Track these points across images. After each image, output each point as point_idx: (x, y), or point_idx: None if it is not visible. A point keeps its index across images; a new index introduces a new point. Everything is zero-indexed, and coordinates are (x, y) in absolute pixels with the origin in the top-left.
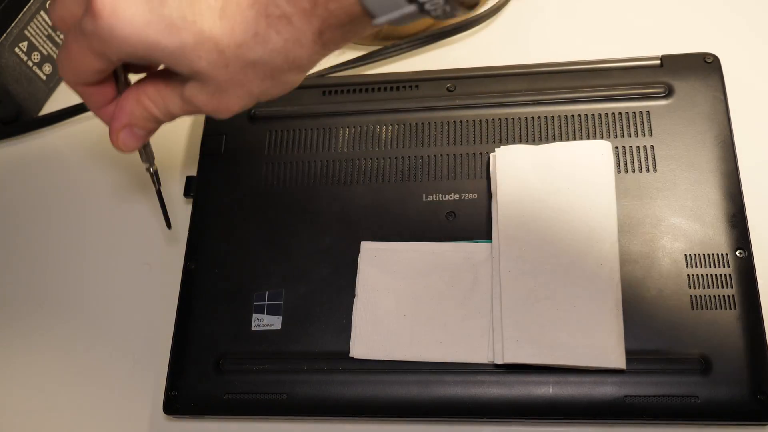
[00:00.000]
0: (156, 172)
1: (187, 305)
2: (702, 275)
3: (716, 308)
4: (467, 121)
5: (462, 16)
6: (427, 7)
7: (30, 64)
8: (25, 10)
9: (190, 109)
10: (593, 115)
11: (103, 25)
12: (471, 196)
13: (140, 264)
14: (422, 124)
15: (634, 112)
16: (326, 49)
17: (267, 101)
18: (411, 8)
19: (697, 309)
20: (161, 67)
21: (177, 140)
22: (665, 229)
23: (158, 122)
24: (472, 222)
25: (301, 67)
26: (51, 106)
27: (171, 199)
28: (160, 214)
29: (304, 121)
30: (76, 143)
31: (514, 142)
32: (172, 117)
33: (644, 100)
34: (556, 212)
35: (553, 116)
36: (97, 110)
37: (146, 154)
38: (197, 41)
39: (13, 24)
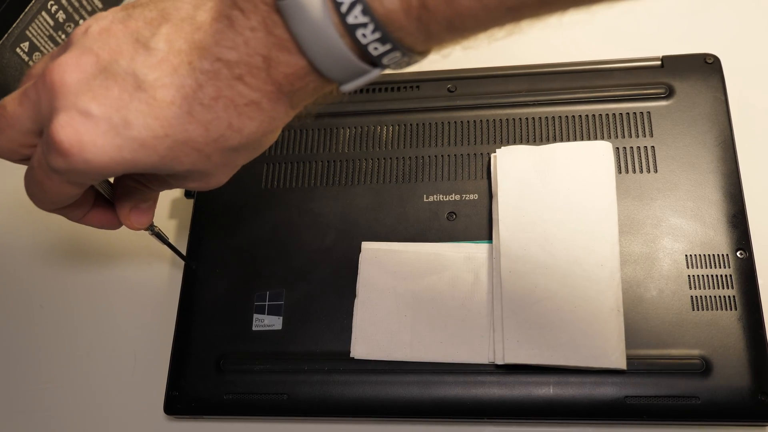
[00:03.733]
0: (159, 231)
1: (188, 305)
2: (702, 276)
3: (717, 309)
4: (468, 121)
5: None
6: (385, 61)
7: (31, 64)
8: (26, 10)
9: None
10: (594, 115)
11: (77, 161)
12: (471, 196)
13: (141, 264)
14: (423, 124)
15: (634, 113)
16: (302, 110)
17: None
18: (375, 72)
19: (698, 309)
20: None
21: None
22: (666, 230)
23: (157, 192)
24: (472, 222)
25: (279, 128)
26: None
27: (171, 199)
28: (160, 214)
29: (305, 122)
30: None
31: (514, 143)
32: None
33: (645, 100)
34: (557, 213)
35: (553, 117)
36: (81, 220)
37: None
38: (174, 150)
39: (15, 24)
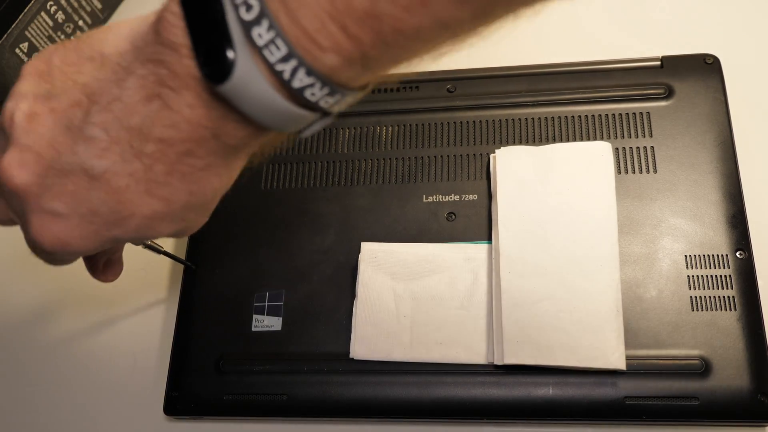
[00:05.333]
0: (151, 244)
1: (188, 306)
2: (702, 276)
3: (716, 309)
4: (467, 122)
5: (352, 101)
6: (337, 108)
7: None
8: (26, 11)
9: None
10: (593, 116)
11: (62, 253)
12: (471, 197)
13: (141, 265)
14: (422, 125)
15: (634, 113)
16: (263, 146)
17: None
18: (330, 118)
19: (697, 310)
20: None
21: None
22: (665, 230)
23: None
24: (472, 223)
25: (241, 168)
26: None
27: None
28: None
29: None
30: None
31: (514, 143)
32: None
33: (644, 101)
34: (556, 213)
35: (553, 117)
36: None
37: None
38: (146, 223)
39: (14, 25)
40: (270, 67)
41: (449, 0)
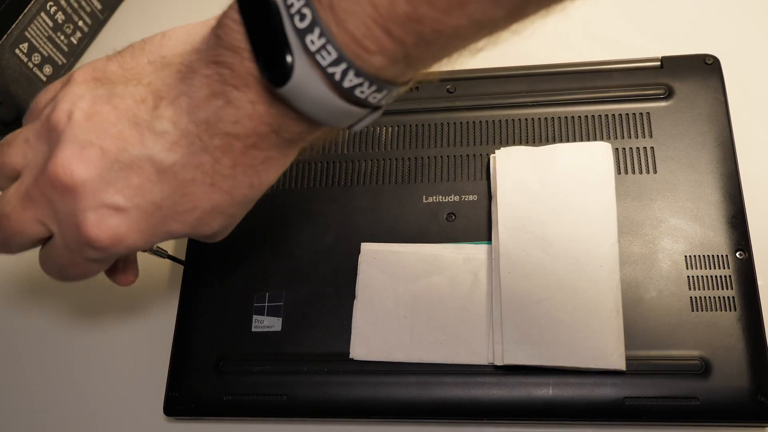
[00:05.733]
0: (157, 249)
1: (188, 306)
2: (702, 276)
3: (716, 309)
4: (467, 122)
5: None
6: (385, 102)
7: (30, 65)
8: (25, 11)
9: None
10: (593, 116)
11: (117, 249)
12: (471, 197)
13: (140, 265)
14: (422, 125)
15: (634, 114)
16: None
17: None
18: (379, 112)
19: (697, 310)
20: None
21: None
22: (665, 231)
23: None
24: (471, 223)
25: (295, 156)
26: None
27: None
28: None
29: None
30: None
31: (514, 144)
32: None
33: (644, 101)
34: (556, 213)
35: (553, 117)
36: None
37: None
38: (203, 218)
39: (14, 25)
40: (323, 70)
41: (485, 1)
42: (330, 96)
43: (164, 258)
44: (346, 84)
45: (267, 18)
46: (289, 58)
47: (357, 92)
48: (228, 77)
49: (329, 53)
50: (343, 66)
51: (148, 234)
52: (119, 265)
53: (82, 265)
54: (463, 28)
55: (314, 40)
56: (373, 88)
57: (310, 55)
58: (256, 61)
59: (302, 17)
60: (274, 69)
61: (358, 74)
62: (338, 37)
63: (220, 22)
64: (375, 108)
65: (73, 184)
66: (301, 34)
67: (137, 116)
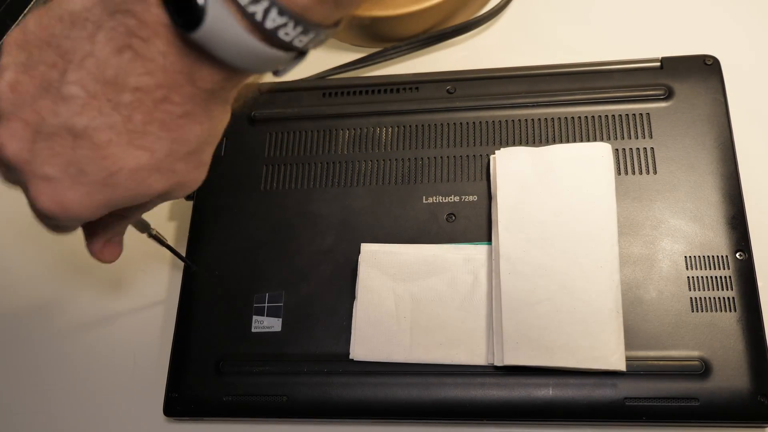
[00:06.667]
0: (156, 234)
1: (188, 307)
2: (702, 277)
3: (716, 310)
4: (467, 123)
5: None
6: (311, 46)
7: None
8: (25, 11)
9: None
10: (593, 117)
11: (63, 217)
12: (471, 198)
13: (140, 266)
14: (422, 126)
15: (634, 114)
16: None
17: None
18: (303, 58)
19: (697, 311)
20: None
21: None
22: (665, 231)
23: (125, 226)
24: (471, 224)
25: (226, 113)
26: None
27: (170, 202)
28: (159, 216)
29: (304, 123)
30: None
31: (514, 144)
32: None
33: (644, 102)
34: (556, 214)
35: (553, 118)
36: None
37: (141, 224)
38: (135, 178)
39: (14, 26)
40: (241, 9)
41: None
42: (250, 39)
43: (163, 246)
44: (269, 24)
45: None
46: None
47: (281, 34)
48: (134, 28)
49: None
50: (264, 4)
51: (88, 202)
52: (98, 243)
53: (49, 227)
54: None
55: None
56: (299, 29)
57: None
58: (165, 5)
59: None
60: (184, 12)
61: (282, 13)
62: None
63: None
64: (301, 52)
65: (9, 159)
66: None
67: (49, 83)
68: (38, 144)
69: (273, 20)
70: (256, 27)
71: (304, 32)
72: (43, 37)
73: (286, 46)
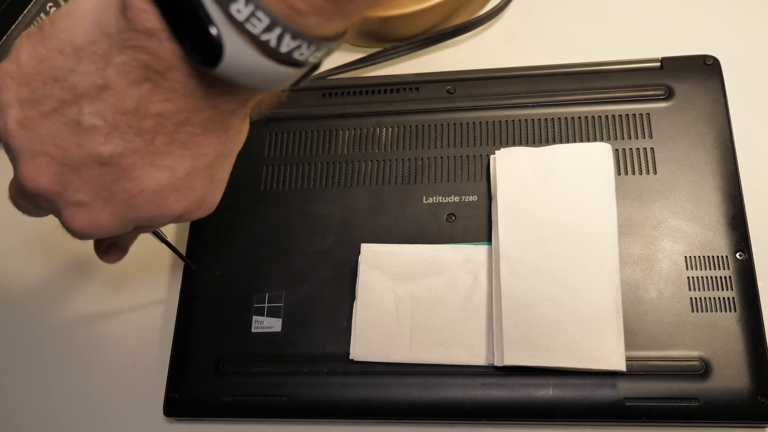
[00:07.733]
0: (157, 231)
1: (188, 307)
2: (702, 277)
3: (716, 310)
4: (467, 123)
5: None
6: (323, 60)
7: None
8: (25, 12)
9: None
10: (593, 117)
11: (94, 236)
12: (471, 198)
13: (140, 266)
14: (422, 126)
15: (634, 114)
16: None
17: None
18: (316, 72)
19: (697, 311)
20: None
21: None
22: (665, 231)
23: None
24: (471, 224)
25: (244, 128)
26: None
27: None
28: None
29: (305, 123)
30: None
31: (514, 144)
32: None
33: (644, 102)
34: (556, 214)
35: (553, 118)
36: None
37: None
38: (155, 199)
39: (14, 26)
40: (255, 39)
41: None
42: (267, 64)
43: (163, 242)
44: (284, 49)
45: None
46: (214, 31)
47: (296, 55)
48: (149, 63)
49: (260, 20)
50: (277, 31)
51: (117, 220)
52: (103, 244)
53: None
54: None
55: (241, 9)
56: (313, 48)
57: (239, 25)
58: (181, 44)
59: None
60: (202, 49)
61: (295, 37)
62: (266, 1)
63: (126, 3)
64: (316, 65)
65: (41, 192)
66: (224, 3)
67: (66, 118)
68: (66, 175)
69: (287, 45)
70: (272, 53)
71: (318, 49)
72: (44, 71)
73: (302, 64)
